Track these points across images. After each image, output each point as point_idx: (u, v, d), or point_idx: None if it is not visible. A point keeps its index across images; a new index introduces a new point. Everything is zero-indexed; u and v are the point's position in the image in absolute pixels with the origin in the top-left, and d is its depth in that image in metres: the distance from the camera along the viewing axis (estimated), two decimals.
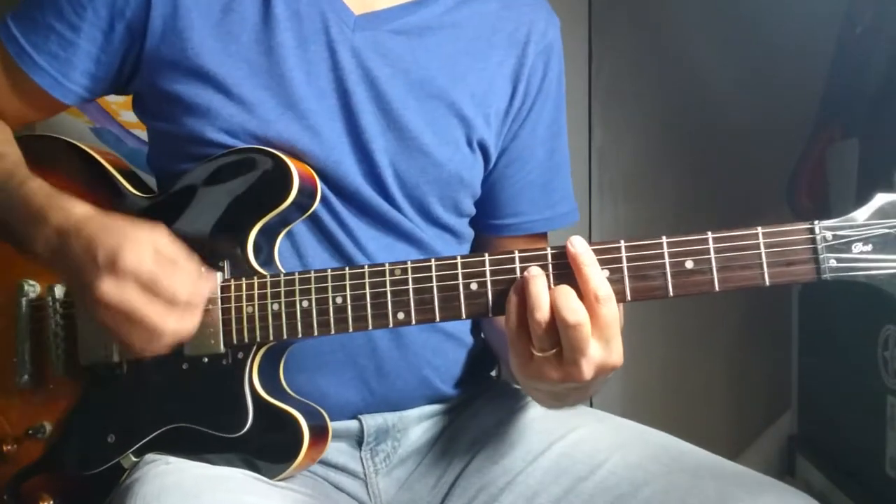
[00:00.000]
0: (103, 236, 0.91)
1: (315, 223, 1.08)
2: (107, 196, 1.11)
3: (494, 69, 1.16)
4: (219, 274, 1.01)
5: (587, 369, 0.85)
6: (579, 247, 0.86)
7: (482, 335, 1.24)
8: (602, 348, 0.85)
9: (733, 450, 2.28)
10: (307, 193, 1.04)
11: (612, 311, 0.85)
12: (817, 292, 2.05)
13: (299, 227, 1.07)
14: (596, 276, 0.85)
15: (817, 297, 2.06)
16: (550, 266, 0.88)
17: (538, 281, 0.86)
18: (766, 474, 1.00)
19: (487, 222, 1.22)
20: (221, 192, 1.04)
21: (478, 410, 1.18)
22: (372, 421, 1.11)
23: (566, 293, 0.84)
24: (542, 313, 0.84)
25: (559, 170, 1.24)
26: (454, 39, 1.14)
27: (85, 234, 0.92)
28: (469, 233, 1.22)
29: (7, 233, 1.02)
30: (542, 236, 1.24)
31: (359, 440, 1.12)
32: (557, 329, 0.84)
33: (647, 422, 1.13)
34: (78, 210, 0.96)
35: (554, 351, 0.85)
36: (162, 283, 0.89)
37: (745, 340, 2.36)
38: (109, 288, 0.89)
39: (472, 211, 1.20)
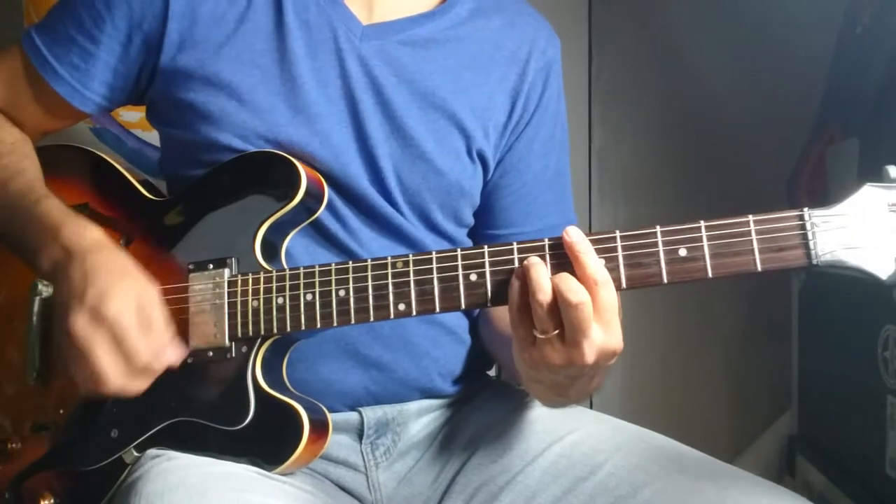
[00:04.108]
0: (100, 274, 0.96)
1: (320, 226, 1.10)
2: (123, 200, 1.15)
3: (495, 84, 1.18)
4: (226, 270, 1.04)
5: (589, 352, 0.87)
6: (575, 236, 0.89)
7: (481, 340, 1.25)
8: (602, 331, 0.87)
9: (733, 450, 2.28)
10: (315, 195, 1.07)
11: (610, 295, 0.87)
12: (817, 292, 2.05)
13: (305, 229, 1.09)
14: (592, 261, 0.88)
15: (817, 297, 2.05)
16: (548, 256, 0.91)
17: (539, 267, 0.89)
18: (765, 474, 1.01)
19: (482, 232, 1.25)
20: (232, 192, 1.07)
21: (477, 407, 1.20)
22: (372, 413, 1.13)
23: (567, 276, 0.87)
24: (544, 295, 0.87)
25: (553, 184, 1.25)
26: (457, 53, 1.17)
27: (87, 265, 0.97)
28: (467, 242, 1.24)
29: (16, 247, 1.06)
30: None
31: (359, 433, 1.13)
32: (559, 310, 0.86)
33: (647, 421, 1.13)
34: (89, 235, 1.01)
35: (556, 332, 0.87)
36: (129, 341, 0.95)
37: (745, 340, 2.36)
38: (82, 324, 0.95)
39: (471, 221, 1.23)
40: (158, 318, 0.98)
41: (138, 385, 0.98)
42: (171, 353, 1.00)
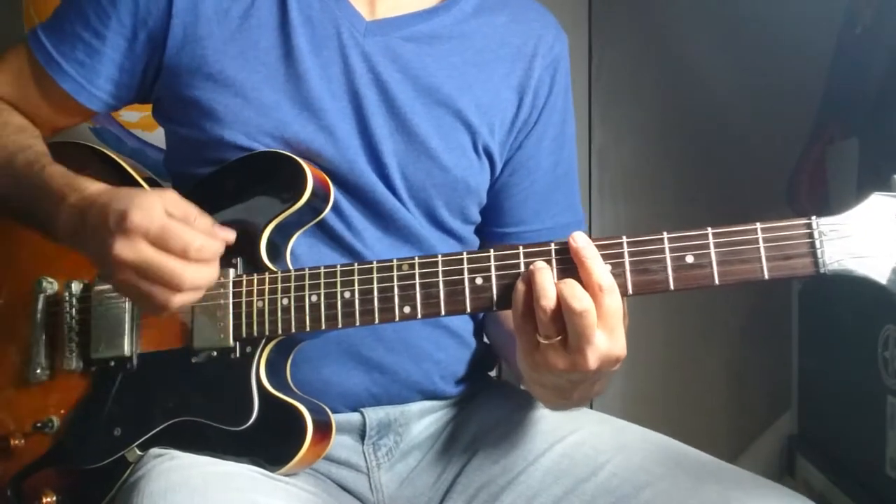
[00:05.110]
0: (114, 203, 0.94)
1: (325, 226, 1.10)
2: None
3: (500, 80, 1.18)
4: (231, 270, 1.03)
5: (592, 358, 0.86)
6: (581, 241, 0.88)
7: (484, 339, 1.25)
8: (606, 338, 0.87)
9: (733, 450, 2.28)
10: (321, 196, 1.07)
11: (615, 302, 0.87)
12: (817, 293, 2.05)
13: (310, 228, 1.09)
14: (598, 267, 0.87)
15: (817, 298, 2.06)
16: (554, 260, 0.91)
17: (545, 272, 0.88)
18: (765, 474, 1.01)
19: (491, 230, 1.24)
20: (238, 193, 1.07)
21: (478, 408, 1.20)
22: (374, 414, 1.13)
23: (571, 283, 0.86)
24: (549, 301, 0.87)
25: (562, 181, 1.25)
26: (462, 50, 1.17)
27: (99, 205, 0.95)
28: (474, 240, 1.24)
29: (31, 217, 1.06)
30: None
31: (361, 434, 1.13)
32: (562, 317, 0.86)
33: (647, 421, 1.13)
34: (93, 187, 0.99)
35: (559, 338, 0.87)
36: (172, 234, 0.91)
37: (745, 340, 2.36)
38: (122, 247, 0.91)
39: (478, 218, 1.22)
40: (188, 208, 0.95)
41: (207, 272, 0.94)
42: (218, 235, 0.96)
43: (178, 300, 0.93)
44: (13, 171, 1.08)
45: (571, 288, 0.86)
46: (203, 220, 0.95)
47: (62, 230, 1.00)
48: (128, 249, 0.91)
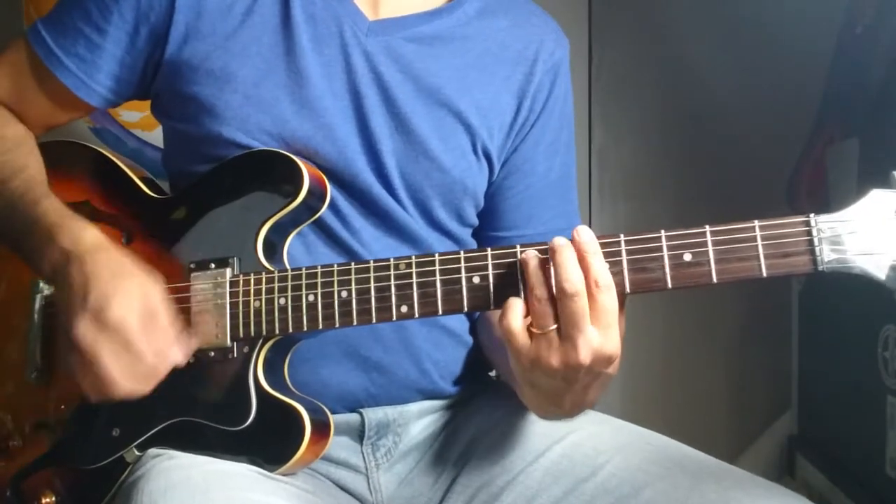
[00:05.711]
0: (102, 277, 0.96)
1: (322, 225, 1.10)
2: (124, 197, 1.15)
3: (500, 84, 1.18)
4: (228, 270, 1.03)
5: (584, 351, 0.85)
6: (584, 236, 0.87)
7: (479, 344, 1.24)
8: (600, 334, 0.86)
9: (733, 450, 2.28)
10: (317, 195, 1.07)
11: (610, 300, 0.86)
12: (817, 292, 2.05)
13: (307, 227, 1.09)
14: (597, 264, 0.86)
15: (817, 298, 2.06)
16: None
17: (535, 260, 0.88)
18: (766, 474, 1.00)
19: (487, 234, 1.24)
20: (234, 192, 1.07)
21: (478, 408, 1.19)
22: (373, 415, 1.13)
23: (563, 266, 0.86)
24: (541, 288, 0.87)
25: (557, 187, 1.24)
26: (464, 52, 1.16)
27: (87, 268, 0.96)
28: (471, 242, 1.23)
29: (17, 247, 1.06)
30: None
31: (360, 434, 1.13)
32: (555, 306, 0.86)
33: (647, 421, 1.13)
34: (87, 237, 1.00)
35: (553, 327, 0.87)
36: (134, 345, 0.94)
37: (745, 340, 2.36)
38: (87, 332, 0.94)
39: (475, 221, 1.22)
40: (163, 317, 0.97)
41: (146, 387, 0.97)
42: (177, 352, 0.99)
43: (105, 397, 0.97)
44: (5, 196, 1.07)
45: (564, 272, 0.85)
46: (170, 329, 0.98)
47: (45, 268, 1.01)
48: (90, 338, 0.94)
